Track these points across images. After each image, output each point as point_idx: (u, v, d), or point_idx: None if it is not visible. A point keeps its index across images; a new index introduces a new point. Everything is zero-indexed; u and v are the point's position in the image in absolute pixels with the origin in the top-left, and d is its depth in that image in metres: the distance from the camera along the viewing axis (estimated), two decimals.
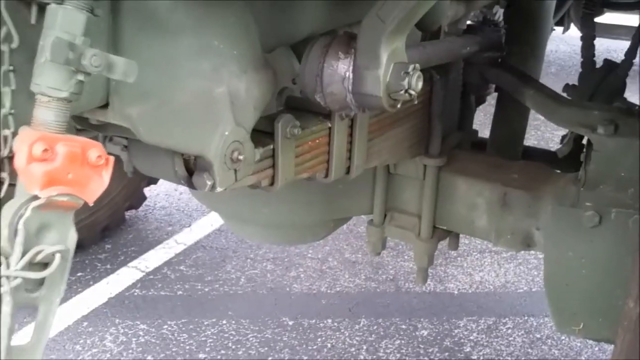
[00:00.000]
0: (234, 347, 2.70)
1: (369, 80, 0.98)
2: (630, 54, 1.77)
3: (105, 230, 3.38)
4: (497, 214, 1.75)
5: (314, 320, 2.90)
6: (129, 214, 3.64)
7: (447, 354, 2.69)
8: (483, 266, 3.38)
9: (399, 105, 1.01)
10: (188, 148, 0.98)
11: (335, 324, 2.88)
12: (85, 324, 2.83)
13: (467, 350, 2.72)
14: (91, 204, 0.68)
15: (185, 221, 3.80)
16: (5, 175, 0.68)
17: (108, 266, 3.27)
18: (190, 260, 3.39)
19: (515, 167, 1.82)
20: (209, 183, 0.98)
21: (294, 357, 2.64)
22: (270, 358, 2.63)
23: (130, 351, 2.67)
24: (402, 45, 0.99)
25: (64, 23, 0.67)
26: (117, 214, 3.39)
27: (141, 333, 2.78)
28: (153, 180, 3.46)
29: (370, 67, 0.98)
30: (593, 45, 1.82)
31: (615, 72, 1.79)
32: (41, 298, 0.67)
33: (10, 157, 0.68)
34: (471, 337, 2.80)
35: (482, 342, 2.77)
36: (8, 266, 0.64)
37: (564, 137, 1.72)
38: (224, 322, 2.87)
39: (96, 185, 0.67)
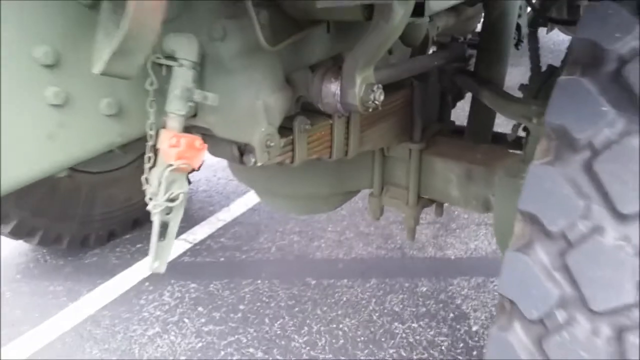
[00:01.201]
0: (267, 300, 3.25)
1: (350, 95, 1.49)
2: (565, 60, 2.27)
3: None
4: (465, 185, 2.22)
5: (332, 280, 3.40)
6: None
7: (441, 305, 3.19)
8: (478, 236, 3.85)
9: (370, 110, 1.57)
10: (241, 139, 1.52)
11: (350, 282, 3.38)
12: (147, 284, 3.41)
13: (459, 302, 3.21)
14: (197, 169, 1.26)
15: (224, 202, 4.35)
16: (151, 155, 1.27)
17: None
18: (229, 234, 3.93)
19: (480, 149, 2.33)
20: (253, 160, 1.56)
21: (316, 308, 3.18)
22: (296, 309, 3.17)
23: (185, 304, 3.24)
24: (371, 72, 1.52)
25: (183, 77, 1.24)
26: None
27: (192, 290, 3.35)
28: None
29: (350, 87, 1.48)
30: (538, 55, 2.32)
31: (556, 75, 2.30)
32: (170, 218, 1.27)
33: (153, 146, 1.28)
34: (463, 292, 3.28)
35: (471, 297, 3.24)
36: (157, 201, 1.24)
37: (514, 125, 2.23)
38: (259, 281, 3.41)
39: (199, 159, 1.25)
